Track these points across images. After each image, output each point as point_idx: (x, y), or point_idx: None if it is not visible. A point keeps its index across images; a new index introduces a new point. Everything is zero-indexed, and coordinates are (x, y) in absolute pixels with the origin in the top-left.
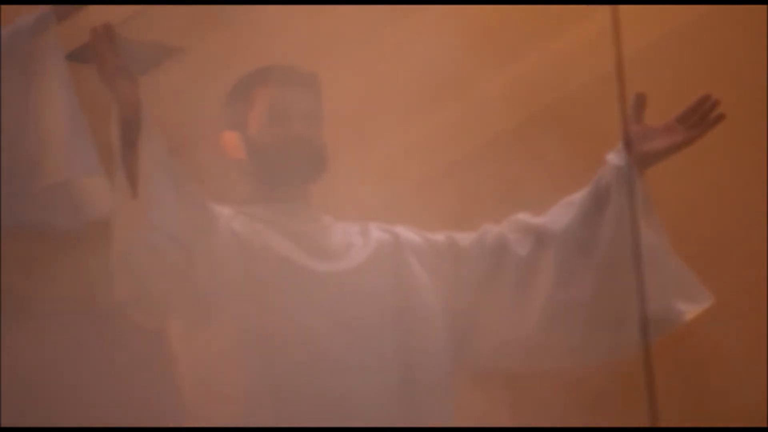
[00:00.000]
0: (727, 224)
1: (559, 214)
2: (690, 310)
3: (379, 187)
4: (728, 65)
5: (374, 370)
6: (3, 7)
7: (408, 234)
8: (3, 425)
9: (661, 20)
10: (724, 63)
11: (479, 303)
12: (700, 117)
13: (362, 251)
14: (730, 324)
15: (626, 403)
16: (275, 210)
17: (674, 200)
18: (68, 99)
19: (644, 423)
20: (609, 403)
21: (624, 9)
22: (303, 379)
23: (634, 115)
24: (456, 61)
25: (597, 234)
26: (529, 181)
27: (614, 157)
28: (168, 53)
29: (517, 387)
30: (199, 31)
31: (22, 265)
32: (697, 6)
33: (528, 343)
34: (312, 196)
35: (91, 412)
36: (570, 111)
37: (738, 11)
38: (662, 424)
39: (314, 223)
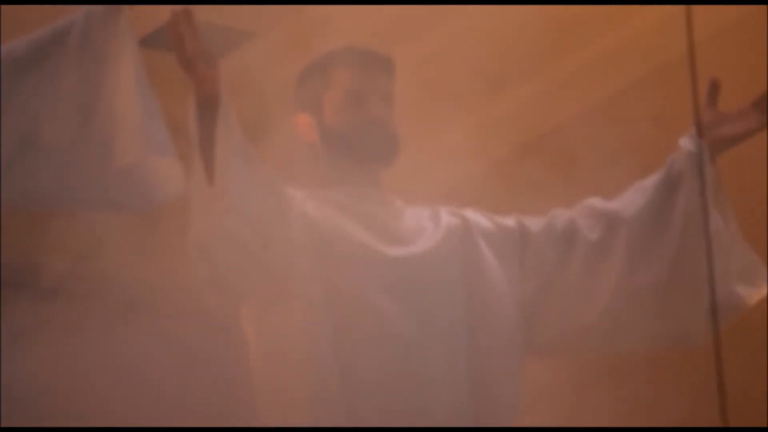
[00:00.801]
0: None
1: (631, 199)
2: (751, 294)
3: (448, 172)
4: None
5: (443, 354)
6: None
7: (478, 218)
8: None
9: (731, 6)
10: None
11: (548, 289)
12: None
13: (433, 236)
14: None
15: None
16: (348, 194)
17: (746, 184)
18: (139, 82)
19: (714, 414)
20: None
21: None
22: (372, 362)
23: (708, 100)
24: (526, 44)
25: (669, 219)
26: (596, 164)
27: (687, 142)
28: (241, 37)
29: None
30: (272, 16)
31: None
32: None
33: (595, 328)
34: (383, 181)
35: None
36: (641, 95)
37: None
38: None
39: (386, 207)
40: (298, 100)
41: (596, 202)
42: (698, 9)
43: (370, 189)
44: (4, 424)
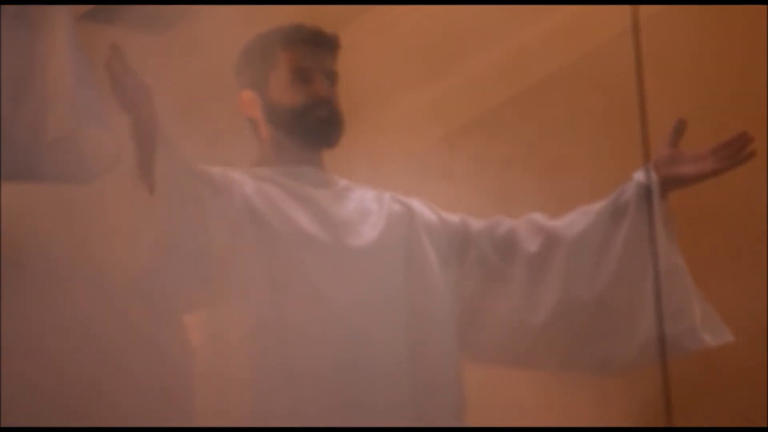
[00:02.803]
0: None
1: (574, 221)
2: (712, 341)
3: (396, 149)
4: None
5: (385, 347)
6: None
7: (423, 210)
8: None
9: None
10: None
11: (486, 291)
12: (733, 151)
13: (377, 223)
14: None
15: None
16: (290, 174)
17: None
18: (74, 52)
19: None
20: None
21: None
22: (316, 354)
23: (670, 139)
24: (476, 17)
25: (608, 246)
26: (549, 142)
27: (639, 175)
28: (183, 12)
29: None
30: None
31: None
32: None
33: (534, 338)
34: (327, 161)
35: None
36: (587, 71)
37: None
38: None
39: (330, 188)
40: (241, 76)
41: (539, 217)
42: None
43: (313, 169)
44: None
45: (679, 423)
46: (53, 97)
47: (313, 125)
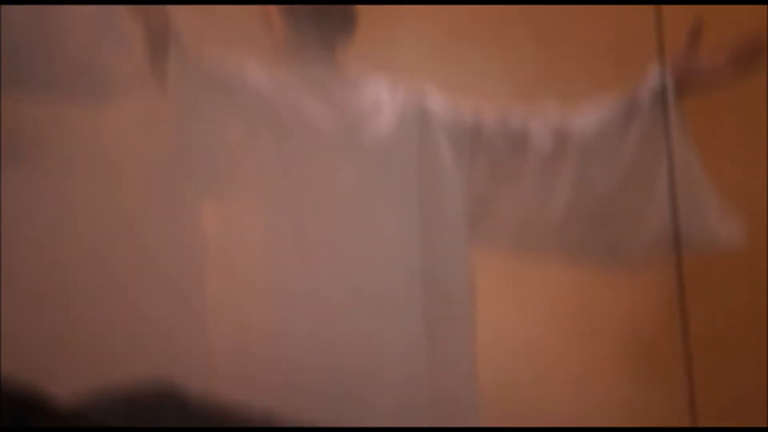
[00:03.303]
0: None
1: (588, 117)
2: (725, 240)
3: (408, 35)
4: None
5: (397, 239)
6: None
7: (436, 101)
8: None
9: None
10: None
11: (500, 186)
12: (751, 55)
13: (391, 115)
14: None
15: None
16: (303, 64)
17: None
18: None
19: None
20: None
21: None
22: (327, 245)
23: (688, 43)
24: None
25: (623, 143)
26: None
27: (654, 75)
28: None
29: None
30: None
31: None
32: None
33: (545, 232)
34: (340, 50)
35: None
36: None
37: None
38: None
39: (343, 78)
40: None
41: (552, 111)
42: None
43: (326, 60)
44: None
45: (693, 317)
46: (72, 13)
47: (325, 15)
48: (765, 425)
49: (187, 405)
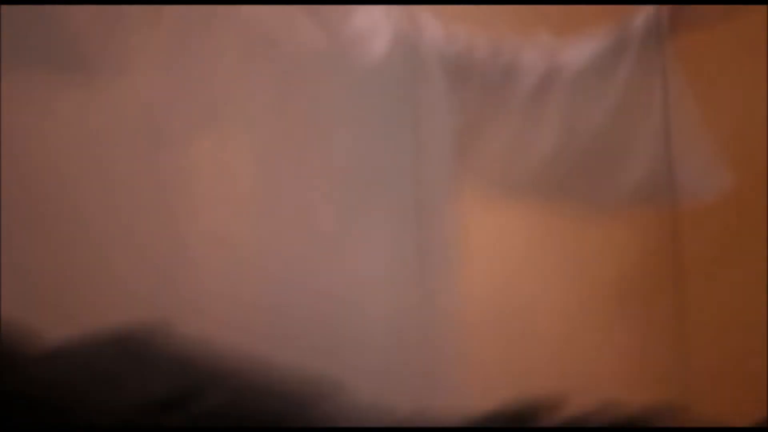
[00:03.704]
0: None
1: (578, 49)
2: (715, 188)
3: None
4: None
5: (390, 162)
6: None
7: (430, 25)
8: None
9: None
10: None
11: (489, 117)
12: None
13: (385, 39)
14: None
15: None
16: None
17: None
18: None
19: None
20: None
21: None
22: (319, 169)
23: None
24: None
25: (614, 78)
26: None
27: (649, 9)
28: None
29: None
30: None
31: None
32: None
33: (534, 166)
34: None
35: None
36: None
37: None
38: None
39: (330, 7)
40: None
41: (543, 42)
42: None
43: None
44: None
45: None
46: None
47: None
48: (761, 370)
49: (176, 348)
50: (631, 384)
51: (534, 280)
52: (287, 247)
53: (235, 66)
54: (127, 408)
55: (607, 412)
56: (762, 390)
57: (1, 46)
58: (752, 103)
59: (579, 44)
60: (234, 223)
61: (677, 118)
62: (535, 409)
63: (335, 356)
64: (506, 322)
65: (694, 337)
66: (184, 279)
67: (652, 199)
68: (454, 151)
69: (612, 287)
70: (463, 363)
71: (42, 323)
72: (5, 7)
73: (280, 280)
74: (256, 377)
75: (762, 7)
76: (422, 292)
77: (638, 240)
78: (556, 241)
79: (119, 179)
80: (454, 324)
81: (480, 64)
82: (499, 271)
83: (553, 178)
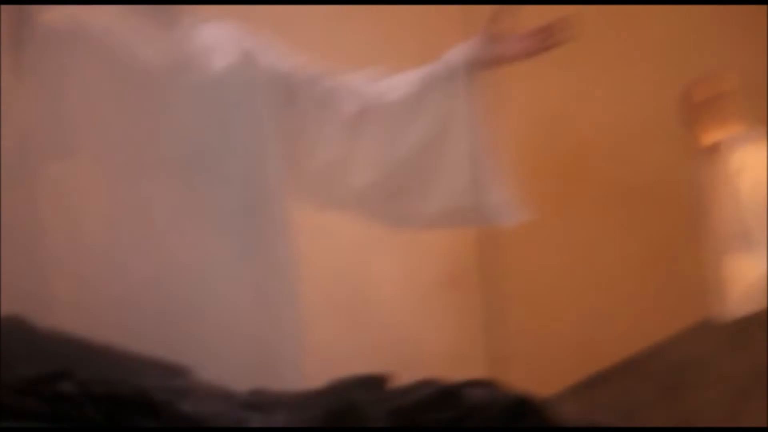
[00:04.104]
0: None
1: (391, 86)
2: (512, 219)
3: None
4: None
5: (224, 179)
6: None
7: (264, 51)
8: None
9: None
10: None
11: (309, 143)
12: (547, 36)
13: (222, 59)
14: None
15: None
16: (141, 10)
17: None
18: None
19: None
20: None
21: None
22: (157, 186)
23: (490, 31)
24: None
25: (420, 115)
26: None
27: (456, 48)
28: None
29: None
30: None
31: None
32: None
33: (351, 193)
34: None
35: None
36: None
37: None
38: None
39: (180, 23)
40: None
41: (363, 77)
42: None
43: (164, 6)
44: None
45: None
46: None
47: None
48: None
49: (35, 336)
50: (455, 362)
51: (368, 274)
52: (133, 259)
53: (90, 84)
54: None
55: (425, 386)
56: (568, 365)
57: (0, 46)
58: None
59: (394, 79)
60: (80, 241)
61: (481, 150)
62: (361, 384)
63: (183, 345)
64: (344, 310)
65: (510, 321)
66: (36, 290)
67: (458, 224)
68: (282, 158)
69: (437, 279)
70: (301, 347)
71: None
72: None
73: (132, 280)
74: (117, 359)
75: None
76: (258, 283)
77: (459, 239)
78: (388, 239)
79: None
80: (291, 312)
81: (303, 86)
82: (336, 265)
83: (371, 200)
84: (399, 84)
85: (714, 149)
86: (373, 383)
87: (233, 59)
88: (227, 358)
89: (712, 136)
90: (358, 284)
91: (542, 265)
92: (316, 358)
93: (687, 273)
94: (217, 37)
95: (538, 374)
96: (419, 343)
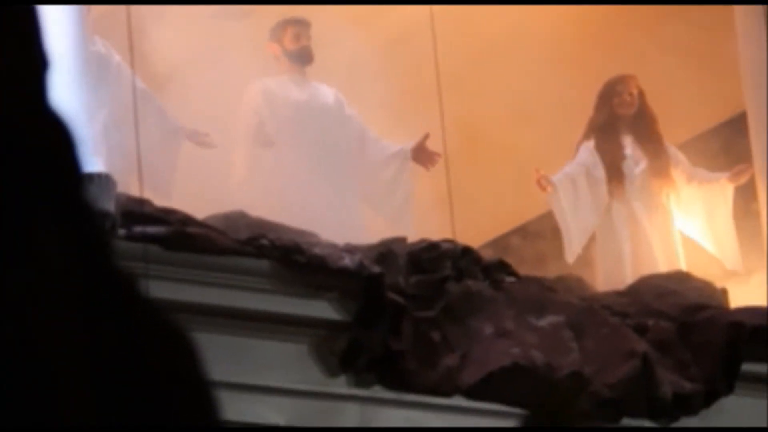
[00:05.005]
0: None
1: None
2: None
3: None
4: None
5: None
6: None
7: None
8: None
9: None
10: None
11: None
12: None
13: (328, 101)
14: None
15: None
16: (292, 79)
17: None
18: None
19: None
20: None
21: None
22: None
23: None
24: None
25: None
26: None
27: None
28: None
29: None
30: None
31: None
32: None
33: None
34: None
35: None
36: None
37: None
38: None
39: (308, 84)
40: (271, 37)
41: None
42: None
43: (303, 77)
44: None
45: None
46: None
47: (301, 56)
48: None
49: None
50: None
51: None
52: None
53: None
54: None
55: None
56: None
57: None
58: None
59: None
60: None
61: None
62: None
63: None
64: None
65: None
66: None
67: None
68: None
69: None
70: None
71: None
72: None
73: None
74: None
75: None
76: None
77: None
78: None
79: None
80: None
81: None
82: None
83: None
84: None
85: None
86: None
87: (335, 102)
88: None
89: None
90: None
91: None
92: None
93: None
94: (326, 91)
95: None
96: None
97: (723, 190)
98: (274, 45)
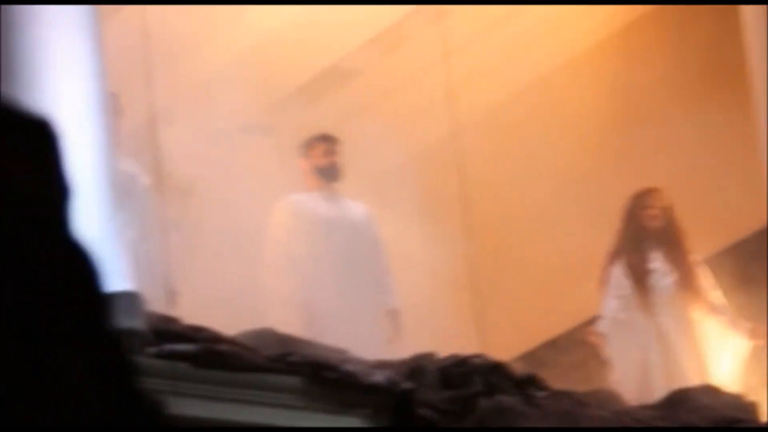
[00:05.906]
0: None
1: None
2: None
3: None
4: None
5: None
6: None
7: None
8: None
9: None
10: None
11: None
12: None
13: (356, 215)
14: None
15: None
16: (322, 195)
17: None
18: None
19: None
20: None
21: None
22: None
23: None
24: None
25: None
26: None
27: None
28: None
29: None
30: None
31: None
32: None
33: None
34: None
35: None
36: None
37: None
38: None
39: (338, 201)
40: (302, 154)
41: None
42: None
43: (332, 193)
44: None
45: None
46: None
47: (330, 173)
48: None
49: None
50: None
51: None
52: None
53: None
54: None
55: None
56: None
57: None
58: None
59: None
60: None
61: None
62: None
63: None
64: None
65: None
66: None
67: None
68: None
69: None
70: None
71: None
72: None
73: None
74: None
75: None
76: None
77: None
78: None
79: None
80: None
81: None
82: None
83: None
84: None
85: None
86: None
87: (365, 218)
88: None
89: None
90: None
91: None
92: None
93: None
94: (355, 207)
95: None
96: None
97: (740, 342)
98: (303, 161)
